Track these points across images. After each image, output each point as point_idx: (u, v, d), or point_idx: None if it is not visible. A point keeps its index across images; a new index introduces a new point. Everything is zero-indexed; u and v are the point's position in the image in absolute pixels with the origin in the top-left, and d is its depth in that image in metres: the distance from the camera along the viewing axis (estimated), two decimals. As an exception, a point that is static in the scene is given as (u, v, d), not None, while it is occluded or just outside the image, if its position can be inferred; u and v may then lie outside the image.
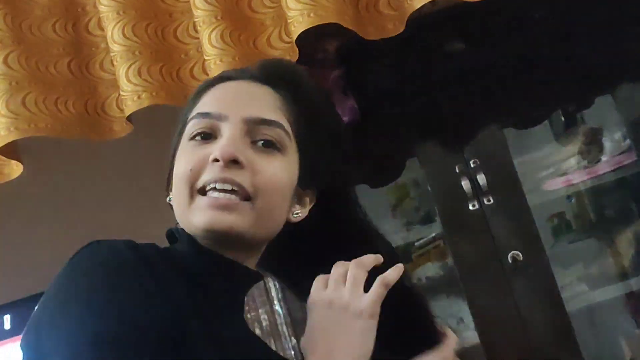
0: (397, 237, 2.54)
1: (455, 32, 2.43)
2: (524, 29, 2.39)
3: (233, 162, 1.06)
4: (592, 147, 2.50)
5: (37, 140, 2.04)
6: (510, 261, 2.28)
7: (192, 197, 1.08)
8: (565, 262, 2.50)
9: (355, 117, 2.34)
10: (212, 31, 1.98)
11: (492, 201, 2.33)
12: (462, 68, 2.41)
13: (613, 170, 2.47)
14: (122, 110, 2.04)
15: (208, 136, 1.10)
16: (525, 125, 2.53)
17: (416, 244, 2.58)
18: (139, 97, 1.98)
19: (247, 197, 1.07)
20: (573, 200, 2.62)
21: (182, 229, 1.11)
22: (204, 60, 2.00)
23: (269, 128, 1.10)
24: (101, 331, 0.92)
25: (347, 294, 1.07)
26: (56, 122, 2.01)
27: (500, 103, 2.41)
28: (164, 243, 1.13)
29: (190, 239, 1.09)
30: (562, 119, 2.58)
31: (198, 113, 1.13)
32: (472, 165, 2.35)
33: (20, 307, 2.51)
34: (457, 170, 2.35)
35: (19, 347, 1.02)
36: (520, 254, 2.28)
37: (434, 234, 2.52)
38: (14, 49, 2.01)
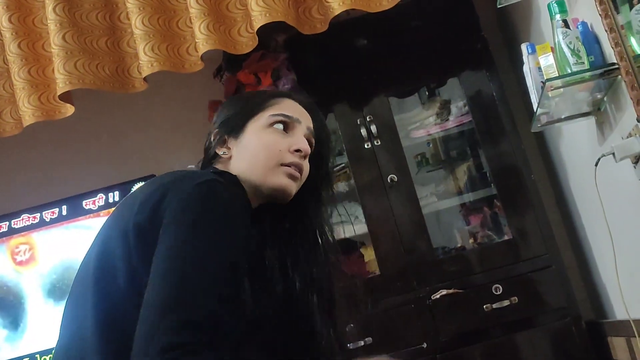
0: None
1: (361, 33, 2.44)
2: (404, 33, 2.42)
3: (305, 155, 1.14)
4: (444, 111, 2.50)
5: (84, 90, 2.08)
6: (389, 181, 2.36)
7: (277, 166, 1.10)
8: (424, 183, 2.54)
9: (295, 85, 2.34)
10: (201, 23, 2.00)
11: (379, 142, 2.40)
12: (364, 56, 2.45)
13: (456, 126, 2.50)
14: (140, 73, 2.08)
15: (286, 129, 1.14)
16: (402, 95, 2.59)
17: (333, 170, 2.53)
18: (151, 65, 2.04)
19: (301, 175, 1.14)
20: (430, 145, 2.62)
21: (237, 179, 1.09)
22: (195, 42, 2.03)
23: (312, 138, 1.18)
24: (227, 255, 0.89)
25: None
26: (97, 79, 2.06)
27: (387, 80, 2.46)
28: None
29: (243, 189, 1.08)
30: (426, 92, 2.59)
31: (283, 114, 1.15)
32: (368, 119, 2.41)
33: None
34: (358, 122, 2.42)
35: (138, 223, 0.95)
36: (396, 177, 2.36)
37: (343, 164, 2.51)
38: (69, 29, 2.06)
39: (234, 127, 1.17)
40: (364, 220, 2.37)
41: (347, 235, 2.21)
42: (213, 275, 0.86)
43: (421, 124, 2.52)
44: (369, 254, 2.41)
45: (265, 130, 1.15)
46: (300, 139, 1.15)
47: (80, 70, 2.05)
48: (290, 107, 1.18)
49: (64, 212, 2.45)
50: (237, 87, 2.41)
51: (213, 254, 0.88)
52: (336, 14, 2.00)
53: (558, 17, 1.59)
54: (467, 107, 2.46)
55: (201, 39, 2.00)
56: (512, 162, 2.35)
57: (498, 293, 2.23)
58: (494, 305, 2.22)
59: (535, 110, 1.81)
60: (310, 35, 2.07)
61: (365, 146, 2.41)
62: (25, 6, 2.14)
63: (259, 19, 1.97)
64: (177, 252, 0.87)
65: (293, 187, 1.13)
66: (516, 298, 2.21)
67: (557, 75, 1.60)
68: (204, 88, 2.53)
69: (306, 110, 1.21)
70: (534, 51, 1.80)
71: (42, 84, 2.11)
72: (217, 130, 1.19)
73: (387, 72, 2.43)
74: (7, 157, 2.66)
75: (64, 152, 2.72)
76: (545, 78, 1.64)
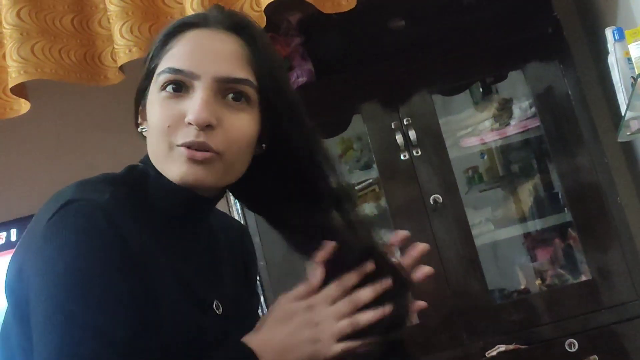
0: (341, 180, 2.51)
1: (398, 12, 2.37)
2: (453, 13, 2.35)
3: (207, 126, 0.94)
4: (504, 113, 2.45)
5: (42, 82, 2.00)
6: (431, 203, 2.28)
7: (170, 149, 0.95)
8: (476, 206, 2.48)
9: (312, 78, 2.30)
10: (194, -1, 1.98)
11: (420, 153, 2.32)
12: (401, 42, 2.37)
13: (519, 133, 2.43)
14: (115, 61, 2.00)
15: (179, 89, 0.96)
16: (449, 93, 2.52)
17: (356, 187, 2.47)
18: (130, 51, 1.94)
19: (217, 152, 0.96)
20: (485, 157, 2.59)
21: (153, 166, 1.00)
22: (187, 22, 1.96)
23: (238, 85, 0.96)
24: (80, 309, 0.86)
25: (324, 315, 0.95)
26: (59, 68, 1.98)
27: (431, 73, 2.37)
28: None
29: (160, 177, 0.99)
30: (480, 89, 2.52)
31: (169, 68, 0.96)
32: (405, 123, 2.32)
33: (24, 223, 2.50)
34: (393, 126, 2.32)
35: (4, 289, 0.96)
36: (440, 197, 2.28)
37: (370, 180, 2.46)
38: (25, 4, 1.96)
39: (139, 89, 1.03)
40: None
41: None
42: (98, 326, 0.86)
43: (474, 129, 2.46)
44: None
45: (157, 96, 0.98)
46: (193, 104, 0.95)
47: (38, 57, 1.99)
48: (187, 51, 0.98)
49: (13, 238, 2.42)
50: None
51: (86, 313, 0.86)
52: (369, -14, 1.95)
53: (654, -6, 1.59)
54: (533, 109, 2.39)
55: (194, 18, 1.92)
56: (592, 180, 2.28)
57: (573, 350, 2.15)
58: (568, 366, 2.17)
59: (623, 113, 1.80)
60: (333, 14, 1.96)
61: (402, 157, 2.32)
62: (-33, -25, 2.16)
63: (269, -6, 1.89)
64: (50, 326, 0.86)
65: (199, 176, 0.96)
66: (596, 357, 2.14)
67: (653, 68, 1.60)
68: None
69: (226, 38, 0.99)
70: (622, 38, 1.77)
71: (-11, 73, 2.16)
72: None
73: (431, 63, 2.36)
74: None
75: (17, 162, 2.70)
76: (637, 72, 1.61)
